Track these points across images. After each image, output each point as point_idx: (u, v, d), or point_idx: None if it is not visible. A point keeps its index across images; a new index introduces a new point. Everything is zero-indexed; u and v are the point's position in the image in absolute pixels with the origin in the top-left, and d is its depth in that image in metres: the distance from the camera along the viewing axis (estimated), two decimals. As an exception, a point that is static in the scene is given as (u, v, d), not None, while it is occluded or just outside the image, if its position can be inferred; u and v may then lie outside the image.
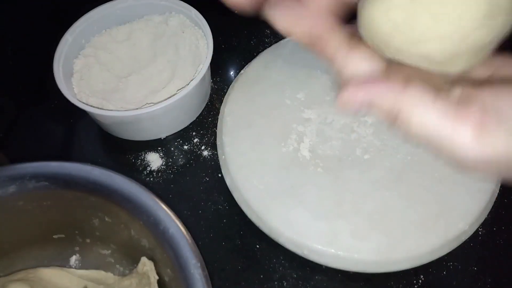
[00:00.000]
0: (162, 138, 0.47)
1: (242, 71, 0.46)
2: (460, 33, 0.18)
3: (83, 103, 0.42)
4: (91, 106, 0.42)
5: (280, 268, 0.39)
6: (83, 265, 0.38)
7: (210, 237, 0.41)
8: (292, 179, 0.38)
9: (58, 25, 0.47)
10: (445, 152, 0.19)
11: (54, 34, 0.45)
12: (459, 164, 0.20)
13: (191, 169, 0.45)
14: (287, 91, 0.43)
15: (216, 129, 0.44)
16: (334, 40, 0.22)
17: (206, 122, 0.47)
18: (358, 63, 0.21)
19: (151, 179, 0.44)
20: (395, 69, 0.21)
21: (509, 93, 0.19)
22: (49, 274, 0.36)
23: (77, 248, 0.38)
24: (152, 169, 0.45)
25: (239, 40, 0.53)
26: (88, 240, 0.37)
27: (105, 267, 0.37)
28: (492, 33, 0.19)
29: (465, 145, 0.19)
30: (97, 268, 0.37)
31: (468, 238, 0.36)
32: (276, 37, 0.53)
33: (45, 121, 0.49)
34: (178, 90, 0.43)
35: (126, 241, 0.35)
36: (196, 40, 0.46)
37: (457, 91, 0.20)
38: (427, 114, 0.19)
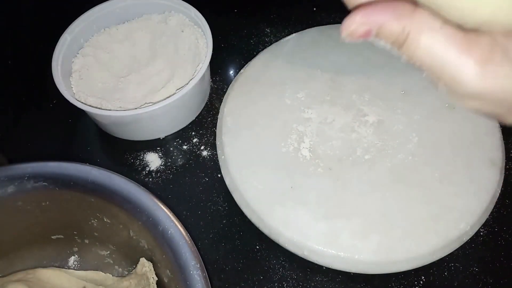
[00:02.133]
0: (161, 138, 0.46)
1: (241, 71, 0.46)
2: None
3: (82, 103, 0.42)
4: (90, 106, 0.42)
5: (280, 269, 0.39)
6: (81, 266, 0.38)
7: (210, 238, 0.40)
8: (292, 179, 0.38)
9: (57, 24, 0.47)
10: (447, 79, 0.19)
11: (53, 33, 0.45)
12: (457, 95, 0.20)
13: (191, 169, 0.44)
14: (287, 91, 0.43)
15: (216, 129, 0.43)
16: None
17: (206, 122, 0.47)
18: None
19: (150, 179, 0.44)
20: None
21: None
22: (48, 274, 0.36)
23: (76, 249, 0.38)
24: (151, 169, 0.45)
25: (239, 39, 0.53)
26: (87, 241, 0.37)
27: (104, 268, 0.37)
28: None
29: (467, 74, 0.19)
30: (95, 269, 0.37)
31: (470, 239, 0.36)
32: (276, 36, 0.53)
33: (44, 121, 0.49)
34: (178, 89, 0.43)
35: (125, 242, 0.35)
36: (196, 40, 0.46)
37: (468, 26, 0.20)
38: (434, 38, 0.19)
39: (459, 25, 0.19)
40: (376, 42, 0.21)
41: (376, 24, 0.19)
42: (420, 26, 0.19)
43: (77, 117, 0.48)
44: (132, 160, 0.45)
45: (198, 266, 0.29)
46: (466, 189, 0.37)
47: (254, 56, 0.47)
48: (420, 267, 0.36)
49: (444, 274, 0.38)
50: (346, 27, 0.20)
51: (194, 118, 0.47)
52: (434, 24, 0.19)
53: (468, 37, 0.19)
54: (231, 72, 0.51)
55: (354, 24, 0.20)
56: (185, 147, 0.46)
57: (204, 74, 0.43)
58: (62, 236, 0.37)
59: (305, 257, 0.36)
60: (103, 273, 0.37)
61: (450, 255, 0.36)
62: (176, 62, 0.45)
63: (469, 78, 0.19)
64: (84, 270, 0.37)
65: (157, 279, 0.33)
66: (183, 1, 0.47)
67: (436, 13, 0.19)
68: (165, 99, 0.41)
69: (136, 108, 0.42)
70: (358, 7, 0.20)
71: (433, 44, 0.19)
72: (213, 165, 0.44)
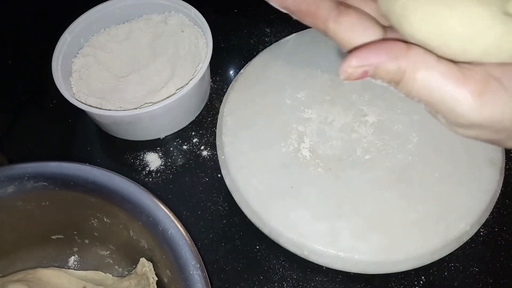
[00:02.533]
0: (161, 138, 0.46)
1: (241, 71, 0.46)
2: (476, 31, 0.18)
3: (82, 102, 0.42)
4: (90, 105, 0.42)
5: (280, 269, 0.39)
6: (81, 266, 0.38)
7: (210, 238, 0.40)
8: (292, 179, 0.38)
9: (57, 24, 0.47)
10: (445, 112, 0.20)
11: (53, 33, 0.45)
12: (456, 125, 0.20)
13: (191, 169, 0.44)
14: (287, 91, 0.43)
15: (216, 129, 0.43)
16: (324, 7, 0.22)
17: (206, 122, 0.47)
18: (349, 28, 0.21)
19: (150, 179, 0.44)
20: (393, 32, 0.21)
21: None
22: (48, 274, 0.36)
23: (75, 249, 0.38)
24: (151, 169, 0.45)
25: (239, 39, 0.53)
26: (87, 241, 0.37)
27: (104, 268, 0.37)
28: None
29: (464, 105, 0.19)
30: (95, 269, 0.37)
31: (470, 239, 0.36)
32: (276, 36, 0.53)
33: (44, 121, 0.49)
34: (177, 89, 0.43)
35: (125, 242, 0.35)
36: (196, 39, 0.46)
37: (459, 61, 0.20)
38: (430, 74, 0.19)
39: (452, 61, 0.20)
40: (373, 80, 0.21)
41: (371, 65, 0.20)
42: (415, 64, 0.19)
43: (77, 117, 0.48)
44: (132, 160, 0.45)
45: (198, 266, 0.29)
46: (466, 189, 0.37)
47: (254, 56, 0.47)
48: (420, 267, 0.36)
49: (444, 274, 0.38)
50: (343, 71, 0.20)
51: (194, 118, 0.47)
52: (429, 61, 0.19)
53: (463, 71, 0.19)
54: (231, 72, 0.51)
55: (350, 68, 0.20)
56: (185, 147, 0.46)
57: (204, 74, 0.43)
58: (62, 236, 0.37)
59: (305, 257, 0.36)
60: (103, 273, 0.37)
61: (450, 255, 0.36)
62: (176, 62, 0.45)
63: (466, 109, 0.19)
64: (84, 270, 0.37)
65: (157, 279, 0.33)
66: (183, 1, 0.47)
67: (429, 51, 0.20)
68: (165, 99, 0.41)
69: (136, 108, 0.42)
70: (354, 49, 0.21)
71: (429, 80, 0.19)
72: (213, 165, 0.44)
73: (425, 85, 0.19)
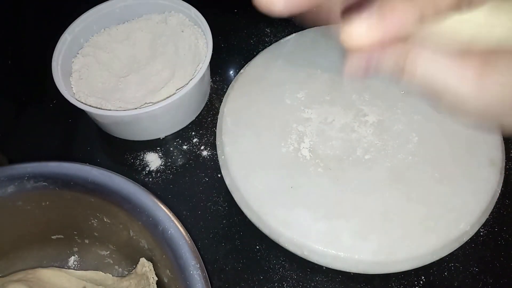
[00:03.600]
0: (161, 138, 0.46)
1: (242, 71, 0.46)
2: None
3: (82, 102, 0.42)
4: (90, 105, 0.42)
5: (280, 269, 0.39)
6: (81, 266, 0.38)
7: (210, 238, 0.40)
8: (292, 179, 0.38)
9: (57, 24, 0.47)
10: (448, 98, 0.20)
11: (53, 33, 0.45)
12: (460, 112, 0.21)
13: (191, 169, 0.44)
14: (287, 91, 0.43)
15: (216, 129, 0.43)
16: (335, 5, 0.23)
17: (206, 122, 0.47)
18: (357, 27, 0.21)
19: (150, 179, 0.44)
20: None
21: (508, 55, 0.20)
22: (48, 274, 0.36)
23: (75, 249, 0.38)
24: (151, 169, 0.45)
25: (239, 39, 0.53)
26: (87, 241, 0.37)
27: (104, 268, 0.37)
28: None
29: (467, 87, 0.20)
30: (95, 269, 0.37)
31: (470, 239, 0.36)
32: (276, 36, 0.53)
33: (44, 121, 0.49)
34: (177, 89, 0.43)
35: (125, 242, 0.35)
36: (196, 39, 0.46)
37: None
38: (430, 63, 0.20)
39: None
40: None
41: (373, 63, 0.20)
42: (415, 56, 0.20)
43: (77, 117, 0.48)
44: (132, 160, 0.45)
45: (198, 266, 0.29)
46: (466, 189, 0.37)
47: (254, 56, 0.47)
48: (420, 267, 0.36)
49: (444, 274, 0.38)
50: (346, 68, 0.21)
51: (194, 118, 0.47)
52: (429, 51, 0.20)
53: (460, 57, 0.20)
54: (231, 72, 0.51)
55: (352, 65, 0.21)
56: (185, 147, 0.46)
57: (204, 74, 0.43)
58: (62, 236, 0.37)
59: (305, 257, 0.36)
60: (103, 273, 0.37)
61: (450, 255, 0.36)
62: (176, 62, 0.45)
63: (469, 91, 0.20)
64: (84, 270, 0.37)
65: (157, 279, 0.33)
66: (183, 1, 0.47)
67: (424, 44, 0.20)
68: (165, 99, 0.41)
69: (136, 108, 0.42)
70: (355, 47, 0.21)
71: (430, 69, 0.20)
72: (213, 165, 0.44)
73: (426, 75, 0.20)
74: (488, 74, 0.19)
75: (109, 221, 0.34)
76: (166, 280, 0.32)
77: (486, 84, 0.19)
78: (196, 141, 0.46)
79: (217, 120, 0.44)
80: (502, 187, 0.38)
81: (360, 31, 0.19)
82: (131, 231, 0.33)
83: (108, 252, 0.37)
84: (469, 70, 0.20)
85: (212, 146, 0.45)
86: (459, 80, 0.20)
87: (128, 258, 0.37)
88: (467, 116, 0.21)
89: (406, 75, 0.20)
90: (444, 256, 0.36)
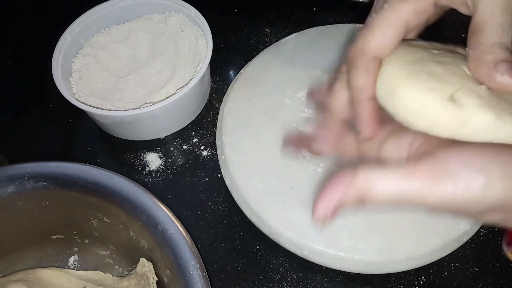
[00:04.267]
0: (161, 138, 0.46)
1: (241, 71, 0.46)
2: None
3: (82, 102, 0.42)
4: (90, 105, 0.42)
5: (280, 269, 0.39)
6: (81, 266, 0.38)
7: (210, 238, 0.40)
8: (292, 179, 0.38)
9: (57, 24, 0.47)
10: (415, 204, 0.21)
11: (53, 33, 0.45)
12: (431, 212, 0.21)
13: (191, 169, 0.44)
14: (287, 91, 0.43)
15: (216, 129, 0.43)
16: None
17: (206, 122, 0.47)
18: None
19: (150, 179, 0.44)
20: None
21: (459, 151, 0.21)
22: (48, 274, 0.36)
23: (75, 249, 0.38)
24: (151, 169, 0.45)
25: (239, 39, 0.53)
26: (86, 241, 0.37)
27: (104, 268, 0.37)
28: None
29: (423, 195, 0.20)
30: (95, 269, 0.37)
31: (470, 239, 0.36)
32: (276, 36, 0.53)
33: (44, 121, 0.49)
34: (177, 89, 0.43)
35: (125, 242, 0.35)
36: (196, 39, 0.46)
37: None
38: (385, 184, 0.21)
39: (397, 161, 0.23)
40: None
41: (336, 207, 0.22)
42: (367, 184, 0.21)
43: (77, 117, 0.48)
44: (132, 160, 0.45)
45: (198, 266, 0.29)
46: (466, 189, 0.37)
47: (254, 56, 0.47)
48: (420, 267, 0.36)
49: (444, 274, 0.38)
50: (315, 218, 0.22)
51: (194, 118, 0.47)
52: (376, 175, 0.21)
53: (409, 167, 0.21)
54: (231, 72, 0.51)
55: (320, 213, 0.22)
56: (185, 147, 0.46)
57: (204, 74, 0.43)
58: (62, 236, 0.37)
59: (305, 257, 0.36)
60: (103, 273, 0.37)
61: (450, 255, 0.36)
62: (176, 62, 0.45)
63: (426, 197, 0.20)
64: (84, 270, 0.37)
65: (157, 279, 0.33)
66: (183, 1, 0.47)
67: (375, 166, 0.21)
68: (165, 99, 0.41)
69: (136, 108, 0.42)
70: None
71: (387, 189, 0.21)
72: (213, 165, 0.44)
73: (385, 193, 0.21)
74: (437, 180, 0.20)
75: (109, 221, 0.34)
76: (166, 280, 0.32)
77: (438, 188, 0.20)
78: (196, 141, 0.46)
79: (217, 120, 0.44)
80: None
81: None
82: (131, 231, 0.33)
83: (108, 252, 0.37)
84: (420, 174, 0.20)
85: (212, 146, 0.45)
86: (414, 185, 0.20)
87: (128, 258, 0.37)
88: (438, 213, 0.21)
89: (368, 199, 0.21)
90: (444, 256, 0.36)
